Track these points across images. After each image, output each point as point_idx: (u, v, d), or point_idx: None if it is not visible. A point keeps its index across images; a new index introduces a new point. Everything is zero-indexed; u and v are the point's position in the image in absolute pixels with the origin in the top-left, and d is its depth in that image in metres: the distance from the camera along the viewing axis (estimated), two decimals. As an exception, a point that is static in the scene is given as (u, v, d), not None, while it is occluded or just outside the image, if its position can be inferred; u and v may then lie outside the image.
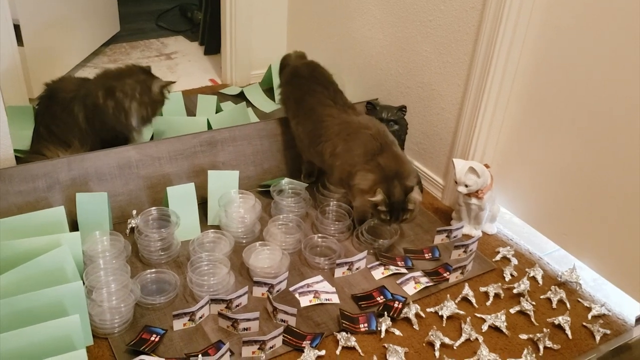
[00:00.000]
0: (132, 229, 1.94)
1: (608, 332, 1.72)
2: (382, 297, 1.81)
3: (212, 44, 3.38)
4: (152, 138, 2.38)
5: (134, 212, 1.95)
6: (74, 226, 1.85)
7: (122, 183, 2.02)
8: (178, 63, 3.33)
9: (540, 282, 1.91)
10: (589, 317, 1.78)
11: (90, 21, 3.15)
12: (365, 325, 1.70)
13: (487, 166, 2.03)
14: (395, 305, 1.76)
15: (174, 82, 2.29)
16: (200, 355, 1.47)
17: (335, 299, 1.80)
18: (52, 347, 1.41)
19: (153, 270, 1.78)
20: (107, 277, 1.67)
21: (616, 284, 1.88)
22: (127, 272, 1.70)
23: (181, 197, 1.95)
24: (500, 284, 1.86)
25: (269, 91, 2.94)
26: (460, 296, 1.81)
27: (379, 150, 1.90)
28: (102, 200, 1.87)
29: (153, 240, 1.84)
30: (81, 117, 2.13)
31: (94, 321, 1.58)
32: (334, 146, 1.98)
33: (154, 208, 1.93)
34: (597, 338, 1.70)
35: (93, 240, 1.81)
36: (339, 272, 1.88)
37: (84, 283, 1.60)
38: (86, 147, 2.13)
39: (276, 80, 2.84)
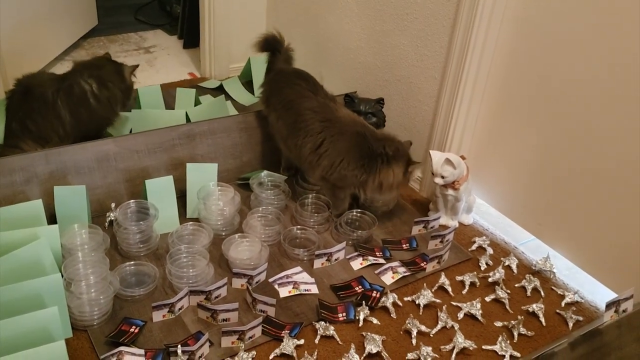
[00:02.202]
0: (111, 222, 1.94)
1: (581, 319, 1.76)
2: (360, 287, 1.83)
3: (191, 38, 3.37)
4: (130, 132, 2.37)
5: (113, 205, 1.95)
6: (52, 219, 1.84)
7: (100, 176, 2.02)
8: (157, 57, 3.31)
9: (515, 270, 1.94)
10: (562, 304, 1.82)
11: (68, 15, 3.12)
12: (344, 314, 1.72)
13: (463, 158, 2.06)
14: (374, 294, 1.78)
15: (138, 66, 2.39)
16: (179, 346, 1.48)
17: (314, 289, 1.82)
18: (31, 339, 1.41)
19: (132, 262, 1.78)
20: (86, 270, 1.67)
21: (589, 273, 1.93)
22: (106, 264, 1.70)
23: (160, 190, 1.96)
24: (476, 273, 1.89)
25: (248, 84, 2.94)
26: (436, 285, 1.84)
27: (370, 146, 1.94)
28: (81, 193, 1.87)
29: (132, 233, 1.84)
30: (66, 110, 2.13)
31: (73, 313, 1.58)
32: (315, 143, 1.98)
33: (132, 201, 1.93)
34: (570, 325, 1.74)
35: (71, 233, 1.80)
36: (318, 263, 1.90)
37: (62, 276, 1.60)
38: (67, 142, 2.12)
39: (259, 78, 2.84)
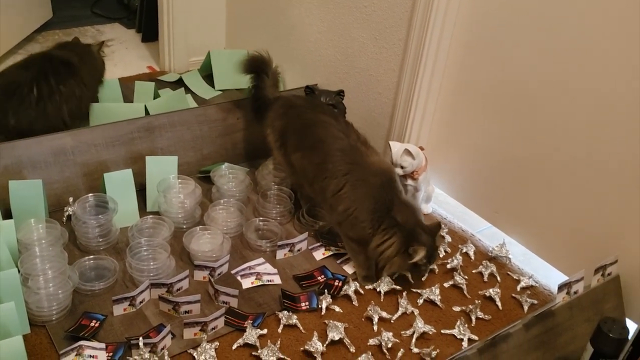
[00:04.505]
0: (69, 216, 1.91)
1: (535, 302, 1.82)
2: (322, 276, 1.85)
3: (149, 31, 3.32)
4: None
5: (71, 199, 1.92)
6: (7, 215, 1.80)
7: (57, 170, 1.98)
8: (114, 50, 3.26)
9: (473, 257, 1.99)
10: (518, 288, 1.88)
11: (20, 7, 3.04)
12: (307, 303, 1.74)
13: (421, 148, 2.10)
14: (336, 283, 1.80)
15: (104, 42, 2.52)
16: (141, 339, 1.48)
17: (277, 279, 1.83)
18: (-13, 335, 1.39)
19: (91, 256, 1.76)
20: (44, 265, 1.64)
21: (543, 257, 1.99)
22: (65, 258, 1.67)
23: (119, 184, 1.93)
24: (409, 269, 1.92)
25: (208, 77, 2.92)
26: (397, 273, 1.87)
27: (389, 203, 1.77)
28: (37, 187, 1.83)
29: (91, 227, 1.82)
30: (35, 97, 2.13)
31: (31, 309, 1.55)
32: (337, 186, 1.82)
33: (91, 195, 1.91)
34: (526, 308, 1.80)
35: (28, 228, 1.77)
36: (280, 254, 1.92)
37: (19, 271, 1.57)
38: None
39: (219, 71, 2.84)
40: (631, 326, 1.57)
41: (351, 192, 1.81)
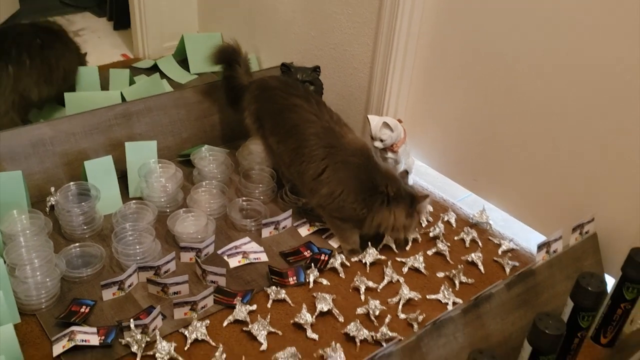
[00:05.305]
0: (52, 206, 1.91)
1: (517, 264, 1.87)
2: (309, 251, 1.87)
3: (121, 19, 3.29)
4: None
5: (52, 189, 1.92)
6: (-12, 208, 1.80)
7: (37, 161, 1.97)
8: (87, 40, 3.22)
9: (454, 225, 2.03)
10: (499, 252, 1.92)
11: (-14, -1, 2.99)
12: (294, 278, 1.76)
13: (400, 121, 2.12)
14: (322, 257, 1.83)
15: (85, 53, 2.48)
16: (132, 321, 1.49)
17: (263, 257, 1.85)
18: (-23, 326, 1.39)
19: (77, 244, 1.77)
20: (30, 254, 1.65)
21: (522, 221, 2.04)
22: (50, 247, 1.68)
23: (100, 171, 1.93)
24: (417, 229, 1.97)
25: (183, 62, 2.91)
26: (381, 244, 1.91)
27: (373, 180, 1.80)
28: (17, 178, 1.82)
29: (75, 215, 1.82)
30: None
31: (20, 298, 1.56)
32: (317, 170, 1.84)
33: (72, 183, 1.91)
34: (507, 270, 1.85)
35: (11, 219, 1.77)
36: (266, 232, 1.93)
37: (5, 262, 1.57)
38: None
39: (194, 55, 2.83)
40: (609, 281, 1.63)
41: (334, 176, 1.82)
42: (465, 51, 2.01)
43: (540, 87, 1.84)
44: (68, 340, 1.47)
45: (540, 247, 1.61)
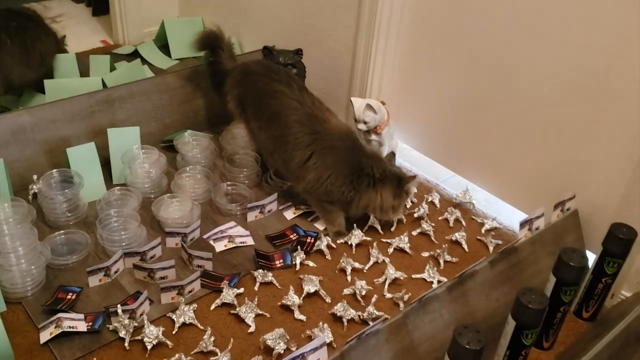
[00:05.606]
0: (35, 194, 1.89)
1: (500, 242, 1.90)
2: (295, 234, 1.88)
3: (100, 4, 3.24)
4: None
5: (35, 177, 1.90)
6: (-30, 197, 1.78)
7: (18, 149, 1.95)
8: (65, 26, 3.17)
9: (438, 205, 2.05)
10: (482, 231, 1.95)
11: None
12: (281, 261, 1.77)
13: (383, 103, 2.13)
14: (308, 240, 1.84)
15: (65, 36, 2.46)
16: (119, 306, 1.49)
17: (249, 241, 1.85)
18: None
19: (62, 231, 1.76)
20: (14, 242, 1.63)
21: (505, 200, 2.06)
22: (35, 235, 1.67)
23: (82, 158, 1.92)
24: (402, 210, 1.98)
25: (164, 47, 2.88)
26: (367, 226, 1.92)
27: (360, 162, 1.81)
28: (-2, 167, 1.81)
29: (58, 202, 1.80)
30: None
31: (5, 286, 1.55)
32: (303, 157, 1.83)
33: (55, 170, 1.89)
34: (491, 248, 1.88)
35: (-7, 208, 1.75)
36: (251, 216, 1.94)
37: (-12, 250, 1.57)
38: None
39: (174, 40, 2.80)
40: (591, 257, 1.66)
41: (321, 161, 1.82)
42: (448, 32, 2.02)
43: (523, 68, 1.85)
44: (55, 327, 1.47)
45: (522, 225, 1.63)
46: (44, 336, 1.47)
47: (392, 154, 1.96)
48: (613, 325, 1.40)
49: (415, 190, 2.11)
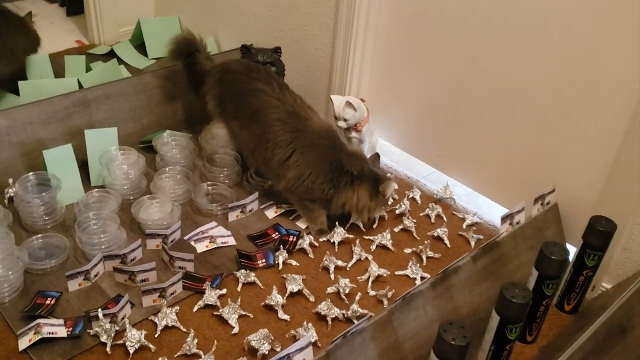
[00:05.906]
0: (11, 198, 1.85)
1: (481, 237, 1.91)
2: (277, 233, 1.87)
3: (74, 4, 3.19)
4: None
5: (11, 180, 1.86)
6: (-57, 202, 1.74)
7: (-8, 153, 1.92)
8: (39, 27, 3.06)
9: (419, 201, 2.06)
10: (464, 226, 1.96)
11: None
12: (263, 260, 1.76)
13: (362, 100, 2.12)
14: (290, 239, 1.83)
15: (31, 12, 2.45)
16: (100, 310, 1.47)
17: (231, 241, 1.84)
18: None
19: (39, 235, 1.72)
20: (-11, 248, 1.60)
21: (485, 195, 2.08)
22: (11, 239, 1.64)
23: (59, 160, 1.89)
24: (384, 207, 1.98)
25: (140, 47, 2.85)
26: (349, 223, 1.92)
27: (340, 160, 1.80)
28: (-28, 171, 1.77)
29: (35, 206, 1.77)
30: None
31: (-19, 293, 1.52)
32: (284, 155, 1.83)
33: (31, 173, 1.86)
34: (472, 243, 1.89)
35: (-32, 213, 1.72)
36: (232, 216, 1.92)
37: (-36, 256, 1.53)
38: None
39: (151, 39, 2.77)
40: (571, 250, 1.68)
41: (302, 159, 1.82)
42: (426, 29, 2.02)
43: (500, 64, 1.86)
44: (34, 334, 1.44)
45: (503, 219, 1.64)
46: (23, 343, 1.44)
47: (377, 155, 1.95)
48: (595, 318, 1.41)
49: (395, 190, 2.10)
